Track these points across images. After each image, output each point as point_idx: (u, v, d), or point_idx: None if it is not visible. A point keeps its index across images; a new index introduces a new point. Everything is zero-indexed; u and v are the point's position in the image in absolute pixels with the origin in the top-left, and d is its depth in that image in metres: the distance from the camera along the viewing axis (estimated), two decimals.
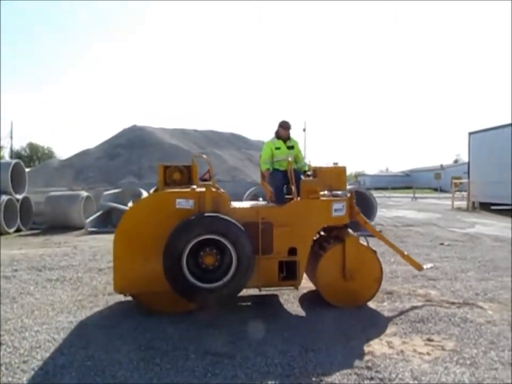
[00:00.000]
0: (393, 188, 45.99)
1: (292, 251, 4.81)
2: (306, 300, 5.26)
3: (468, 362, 3.50)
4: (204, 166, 5.58)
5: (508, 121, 19.83)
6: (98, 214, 12.91)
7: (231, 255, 4.35)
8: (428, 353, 3.68)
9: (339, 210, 5.00)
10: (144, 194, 13.61)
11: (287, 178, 5.30)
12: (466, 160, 24.57)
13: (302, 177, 5.29)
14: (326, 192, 5.16)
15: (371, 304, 5.08)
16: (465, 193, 22.37)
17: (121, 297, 5.30)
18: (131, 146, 23.63)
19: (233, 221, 4.40)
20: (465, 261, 7.68)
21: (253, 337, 3.96)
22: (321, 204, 4.97)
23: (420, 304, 5.06)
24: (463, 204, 21.63)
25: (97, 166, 22.16)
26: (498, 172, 19.21)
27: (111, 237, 10.72)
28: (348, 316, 4.60)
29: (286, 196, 5.32)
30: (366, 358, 3.54)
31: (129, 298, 5.30)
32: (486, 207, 20.23)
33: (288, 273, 4.85)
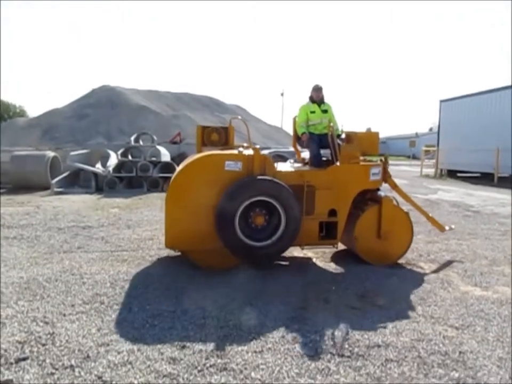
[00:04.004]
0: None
1: (332, 212, 5.09)
2: None
3: (394, 316, 3.76)
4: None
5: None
6: (65, 174, 12.76)
7: (280, 216, 4.64)
8: (359, 308, 3.92)
9: (376, 174, 5.35)
10: (112, 155, 13.52)
11: (323, 142, 5.55)
12: None
13: (339, 141, 5.50)
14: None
15: (318, 263, 5.33)
16: (434, 161, 22.88)
17: (75, 255, 5.42)
18: (100, 107, 23.08)
19: (283, 184, 4.65)
20: (418, 225, 7.95)
21: (196, 294, 4.13)
22: (361, 168, 5.28)
23: (365, 264, 5.31)
24: (432, 171, 22.14)
25: (65, 126, 21.65)
26: (466, 140, 19.66)
27: (76, 197, 10.90)
28: (291, 273, 4.82)
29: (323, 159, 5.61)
30: (299, 312, 3.76)
31: (83, 255, 5.42)
32: (453, 174, 20.81)
33: (327, 233, 5.19)
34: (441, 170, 21.50)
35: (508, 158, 16.63)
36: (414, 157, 40.07)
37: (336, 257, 5.60)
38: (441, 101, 22.49)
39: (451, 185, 16.77)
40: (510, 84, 17.83)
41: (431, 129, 54.47)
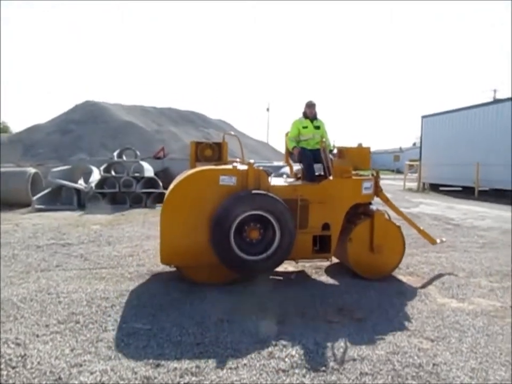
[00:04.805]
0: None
1: (325, 226, 5.15)
2: None
3: (371, 329, 3.78)
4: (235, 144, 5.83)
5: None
6: (46, 191, 12.62)
7: (274, 230, 4.68)
8: (337, 322, 3.93)
9: (368, 188, 5.45)
10: (95, 171, 13.43)
11: (315, 157, 5.68)
12: None
13: (331, 156, 5.62)
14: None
15: (298, 277, 5.34)
16: (417, 175, 23.18)
17: (53, 274, 5.35)
18: (84, 122, 22.97)
19: (278, 198, 4.69)
20: None
21: (173, 311, 4.10)
22: (353, 182, 5.35)
23: (344, 278, 5.34)
24: (415, 185, 22.43)
25: (48, 142, 21.48)
26: (447, 154, 20.02)
27: (57, 214, 10.76)
28: (270, 288, 4.82)
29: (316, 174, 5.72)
30: (277, 327, 3.75)
31: (64, 272, 5.35)
32: (435, 188, 21.12)
33: (321, 247, 5.24)
34: (424, 184, 21.81)
35: (488, 172, 16.95)
36: (399, 171, 40.61)
37: (316, 271, 5.62)
38: (423, 117, 22.93)
39: (433, 198, 17.00)
40: (492, 98, 18.29)
41: (414, 144, 55.54)
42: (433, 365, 3.12)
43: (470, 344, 3.49)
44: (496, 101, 21.68)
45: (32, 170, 13.30)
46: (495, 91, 45.00)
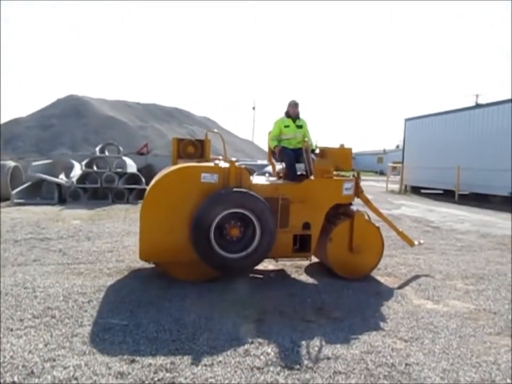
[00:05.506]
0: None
1: (306, 226, 5.17)
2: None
3: (347, 328, 3.82)
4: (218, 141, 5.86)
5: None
6: (26, 185, 12.43)
7: (255, 228, 4.70)
8: (314, 321, 3.96)
9: (348, 189, 5.50)
10: (77, 166, 13.26)
11: (297, 156, 5.71)
12: None
13: (313, 156, 5.64)
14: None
15: (277, 276, 5.37)
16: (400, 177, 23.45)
17: (30, 268, 5.28)
18: (66, 117, 22.64)
19: (259, 196, 4.70)
20: None
21: (151, 307, 4.09)
22: (334, 183, 5.39)
23: (324, 278, 5.38)
24: (398, 187, 22.67)
25: (29, 136, 21.12)
26: (429, 157, 20.31)
27: (37, 209, 10.62)
28: (249, 286, 4.84)
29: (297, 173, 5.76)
30: (254, 325, 3.77)
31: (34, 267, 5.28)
32: (417, 190, 21.40)
33: (301, 246, 5.25)
34: (406, 186, 22.07)
35: (469, 176, 17.23)
36: (382, 173, 41.08)
37: (296, 270, 5.66)
38: (406, 120, 23.21)
39: (414, 201, 17.22)
40: (474, 102, 18.58)
41: (397, 147, 56.28)
42: (406, 365, 3.17)
43: (442, 345, 3.55)
44: (478, 106, 22.04)
45: (12, 163, 13.10)
46: (477, 96, 45.64)
